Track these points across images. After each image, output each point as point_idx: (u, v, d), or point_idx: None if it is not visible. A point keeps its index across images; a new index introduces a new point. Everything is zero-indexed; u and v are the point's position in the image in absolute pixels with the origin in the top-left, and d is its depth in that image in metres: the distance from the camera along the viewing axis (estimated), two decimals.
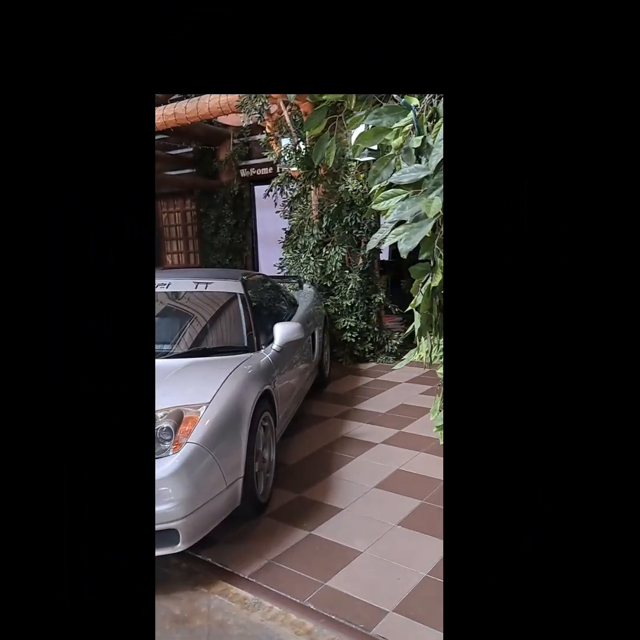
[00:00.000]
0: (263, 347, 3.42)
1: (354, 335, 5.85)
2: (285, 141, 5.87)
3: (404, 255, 1.36)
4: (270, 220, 10.56)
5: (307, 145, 5.67)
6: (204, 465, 2.42)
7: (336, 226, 5.80)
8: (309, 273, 5.89)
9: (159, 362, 3.06)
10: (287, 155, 5.76)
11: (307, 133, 5.77)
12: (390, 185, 1.53)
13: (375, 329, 6.03)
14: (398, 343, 6.04)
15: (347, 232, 5.82)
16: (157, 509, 2.24)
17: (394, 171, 1.44)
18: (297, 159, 5.63)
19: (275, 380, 3.27)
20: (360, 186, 5.60)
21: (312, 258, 5.89)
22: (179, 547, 2.33)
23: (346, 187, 5.66)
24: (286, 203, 6.27)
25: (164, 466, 2.30)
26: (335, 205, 5.72)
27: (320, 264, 5.89)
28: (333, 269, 5.84)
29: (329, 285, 5.94)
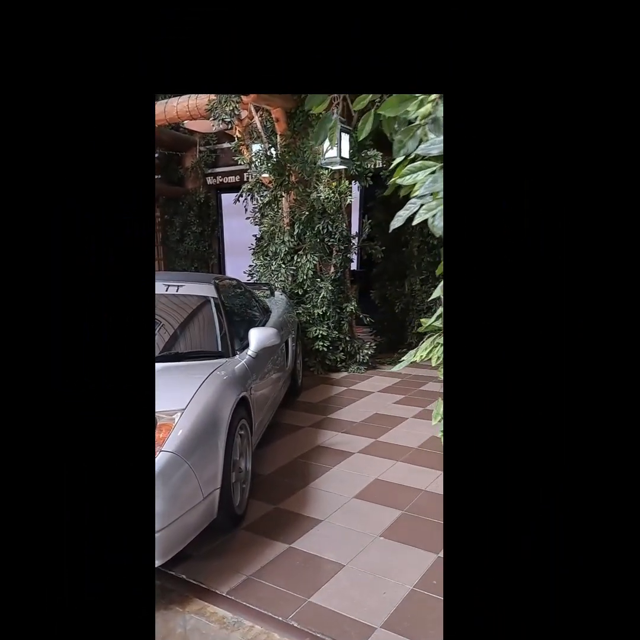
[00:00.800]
0: (238, 352, 3.30)
1: (325, 344, 5.76)
2: (256, 147, 5.77)
3: (438, 233, 1.27)
4: (238, 228, 10.45)
5: (279, 151, 5.59)
6: (179, 475, 2.27)
7: (308, 234, 5.72)
8: (280, 281, 5.79)
9: None
10: (259, 160, 5.65)
11: (278, 139, 5.72)
12: (406, 160, 1.43)
13: (347, 338, 5.95)
14: (370, 353, 5.98)
15: (318, 240, 5.75)
16: None
17: (421, 142, 1.35)
18: (269, 164, 5.54)
19: (251, 387, 3.15)
20: (332, 194, 5.55)
21: (283, 265, 5.80)
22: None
23: (318, 194, 5.59)
24: (257, 209, 6.16)
25: None
26: (307, 213, 5.64)
27: (291, 272, 5.80)
28: (304, 277, 5.76)
29: (300, 293, 5.85)
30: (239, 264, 9.57)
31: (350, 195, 5.54)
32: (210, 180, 10.58)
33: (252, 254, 6.18)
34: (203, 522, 2.45)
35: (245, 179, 10.22)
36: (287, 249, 5.80)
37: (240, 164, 10.10)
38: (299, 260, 5.78)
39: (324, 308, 5.76)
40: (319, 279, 5.82)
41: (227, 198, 10.64)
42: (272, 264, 5.85)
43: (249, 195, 6.09)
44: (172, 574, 2.42)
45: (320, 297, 5.74)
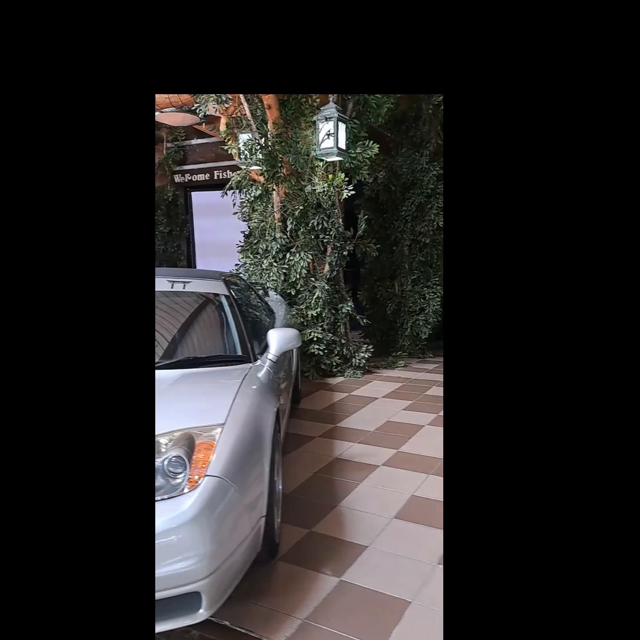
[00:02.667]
0: (258, 356, 2.92)
1: (320, 348, 5.39)
2: (244, 136, 5.36)
3: None
4: (210, 228, 10.00)
5: (271, 141, 5.21)
6: (228, 505, 1.88)
7: (301, 230, 5.35)
8: (272, 280, 5.40)
9: None
10: (248, 151, 5.25)
11: (269, 128, 5.34)
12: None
13: (342, 341, 5.61)
14: (366, 357, 5.65)
15: (313, 236, 5.38)
16: (173, 567, 1.69)
17: None
18: (262, 154, 5.14)
19: (280, 396, 2.77)
20: (328, 188, 5.21)
21: (275, 264, 5.40)
22: (202, 615, 1.77)
23: (313, 188, 5.23)
24: (245, 204, 5.75)
25: (180, 509, 1.75)
26: (301, 208, 5.27)
27: (283, 271, 5.41)
28: (297, 276, 5.38)
29: (292, 293, 5.47)
30: (211, 266, 9.12)
31: (347, 188, 5.21)
32: (178, 178, 10.08)
33: (240, 252, 5.75)
34: (250, 558, 2.06)
35: (215, 177, 9.81)
36: (278, 246, 5.41)
37: (211, 162, 9.80)
38: (291, 258, 5.40)
39: (319, 309, 5.40)
40: (313, 278, 5.46)
41: (197, 197, 10.16)
42: (263, 263, 5.45)
43: (236, 189, 5.66)
44: (213, 620, 2.02)
45: (315, 297, 5.38)
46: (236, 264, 5.85)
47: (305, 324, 5.42)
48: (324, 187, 5.22)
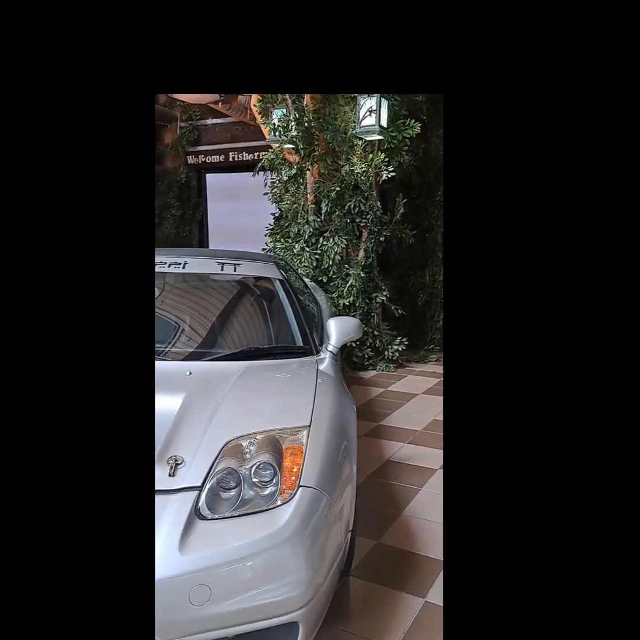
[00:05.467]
0: (321, 348, 2.63)
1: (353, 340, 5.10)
2: (278, 112, 5.04)
3: None
4: (225, 212, 9.67)
5: (308, 117, 4.89)
6: (323, 520, 1.59)
7: (337, 213, 5.04)
8: (304, 265, 5.09)
9: (195, 365, 2.20)
10: (283, 127, 4.92)
11: (307, 104, 5.01)
12: None
13: (375, 332, 5.31)
14: (400, 349, 5.36)
15: (348, 220, 5.07)
16: (271, 594, 1.41)
17: None
18: (298, 130, 4.81)
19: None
20: (367, 168, 4.90)
21: (307, 249, 5.09)
22: None
23: (351, 167, 4.92)
24: (277, 184, 5.43)
25: (275, 526, 1.46)
26: (337, 189, 4.95)
27: (316, 256, 5.11)
28: (330, 263, 5.08)
29: (324, 280, 5.16)
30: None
31: (386, 170, 4.90)
32: (191, 160, 9.72)
33: (269, 235, 5.44)
34: (338, 580, 1.79)
35: (230, 159, 9.47)
36: (311, 230, 5.09)
37: (226, 143, 9.44)
38: (325, 243, 5.09)
39: (351, 298, 5.10)
40: (346, 265, 5.15)
41: (212, 179, 9.82)
42: (294, 247, 5.13)
43: (269, 168, 5.33)
44: None
45: (348, 285, 5.07)
46: (263, 248, 5.54)
47: (336, 313, 5.13)
48: (362, 168, 4.90)
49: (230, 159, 9.46)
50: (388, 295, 5.29)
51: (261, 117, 5.24)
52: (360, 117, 4.73)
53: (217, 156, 9.54)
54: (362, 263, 5.15)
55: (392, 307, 5.38)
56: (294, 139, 4.87)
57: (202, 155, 9.67)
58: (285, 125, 4.89)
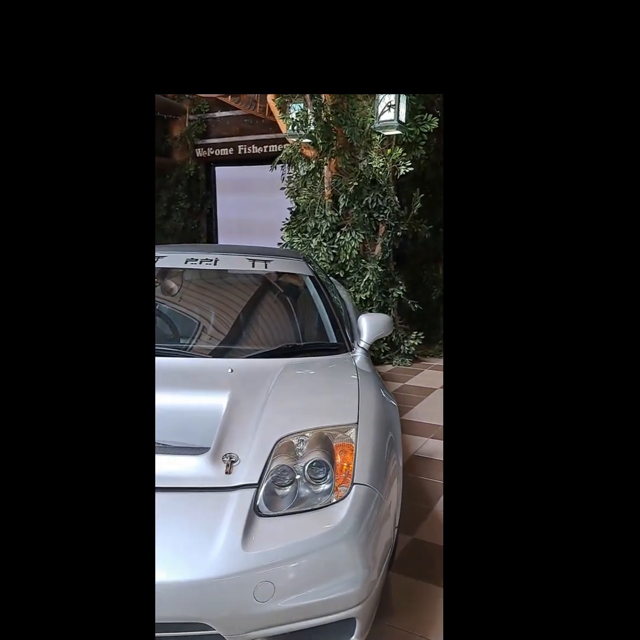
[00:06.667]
0: (354, 345, 2.64)
1: None
2: (296, 106, 5.03)
3: None
4: (234, 205, 9.66)
5: (326, 112, 4.88)
6: (376, 517, 1.60)
7: (354, 208, 5.04)
8: (321, 260, 5.09)
9: (236, 363, 2.22)
10: (302, 122, 4.91)
11: (325, 98, 5.01)
12: None
13: None
14: (416, 343, 5.38)
15: (366, 215, 5.07)
16: (331, 591, 1.43)
17: None
18: (317, 127, 4.81)
19: None
20: (386, 163, 4.89)
21: (324, 244, 5.10)
22: None
23: (370, 162, 4.91)
24: (294, 179, 5.42)
25: (333, 524, 1.48)
26: (355, 184, 4.95)
27: (333, 251, 5.11)
28: (347, 257, 5.08)
29: (341, 275, 5.17)
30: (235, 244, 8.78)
31: (404, 165, 4.89)
32: (200, 152, 9.69)
33: (285, 230, 5.44)
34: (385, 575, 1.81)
35: (239, 152, 9.44)
36: (329, 224, 5.10)
37: (235, 136, 9.41)
38: (342, 238, 5.09)
39: (368, 293, 5.11)
40: (363, 260, 5.16)
41: (222, 172, 9.80)
42: (311, 242, 5.14)
43: (287, 163, 5.32)
44: None
45: (365, 280, 5.08)
46: (278, 243, 5.55)
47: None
48: (380, 162, 4.90)
49: (240, 152, 9.44)
50: (404, 290, 5.29)
51: (279, 112, 5.22)
52: (379, 112, 4.72)
53: (226, 149, 9.52)
54: (379, 258, 5.15)
55: (409, 302, 5.38)
56: (313, 134, 4.86)
57: (211, 148, 9.65)
58: (303, 120, 4.87)
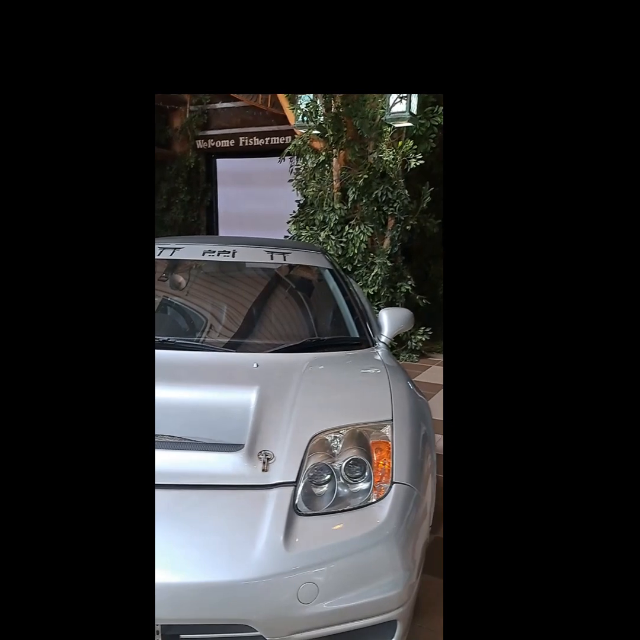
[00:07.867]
0: (377, 340, 2.60)
1: None
2: (305, 97, 4.97)
3: None
4: (235, 198, 9.58)
5: (337, 103, 4.82)
6: (415, 517, 1.57)
7: (363, 201, 4.99)
8: (329, 254, 5.04)
9: (261, 357, 2.16)
10: (311, 113, 4.84)
11: None
12: None
13: None
14: (423, 339, 5.34)
15: (375, 208, 5.02)
16: (374, 593, 1.40)
17: None
18: (327, 117, 4.74)
19: None
20: (396, 155, 4.84)
21: (332, 237, 5.04)
22: None
23: (380, 154, 4.86)
24: (302, 171, 5.35)
25: (374, 524, 1.44)
26: (365, 176, 4.90)
27: (341, 244, 5.06)
28: (356, 251, 5.03)
29: (349, 269, 5.12)
30: None
31: (415, 157, 4.84)
32: (200, 144, 9.61)
33: (293, 223, 5.38)
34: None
35: (240, 143, 9.36)
36: (337, 217, 5.05)
37: (236, 128, 9.32)
38: (350, 231, 5.04)
39: (376, 287, 5.07)
40: (371, 254, 5.11)
41: (222, 163, 9.72)
42: (320, 235, 5.08)
43: (295, 155, 5.25)
44: None
45: (373, 274, 5.04)
46: (285, 235, 5.49)
47: None
48: (390, 155, 4.85)
49: (241, 144, 9.36)
50: (413, 285, 5.25)
51: (289, 103, 5.15)
52: (391, 104, 4.67)
53: (227, 141, 9.44)
54: (388, 252, 5.11)
55: (417, 297, 5.34)
56: (322, 125, 4.80)
57: (212, 140, 9.56)
58: (313, 111, 4.81)
